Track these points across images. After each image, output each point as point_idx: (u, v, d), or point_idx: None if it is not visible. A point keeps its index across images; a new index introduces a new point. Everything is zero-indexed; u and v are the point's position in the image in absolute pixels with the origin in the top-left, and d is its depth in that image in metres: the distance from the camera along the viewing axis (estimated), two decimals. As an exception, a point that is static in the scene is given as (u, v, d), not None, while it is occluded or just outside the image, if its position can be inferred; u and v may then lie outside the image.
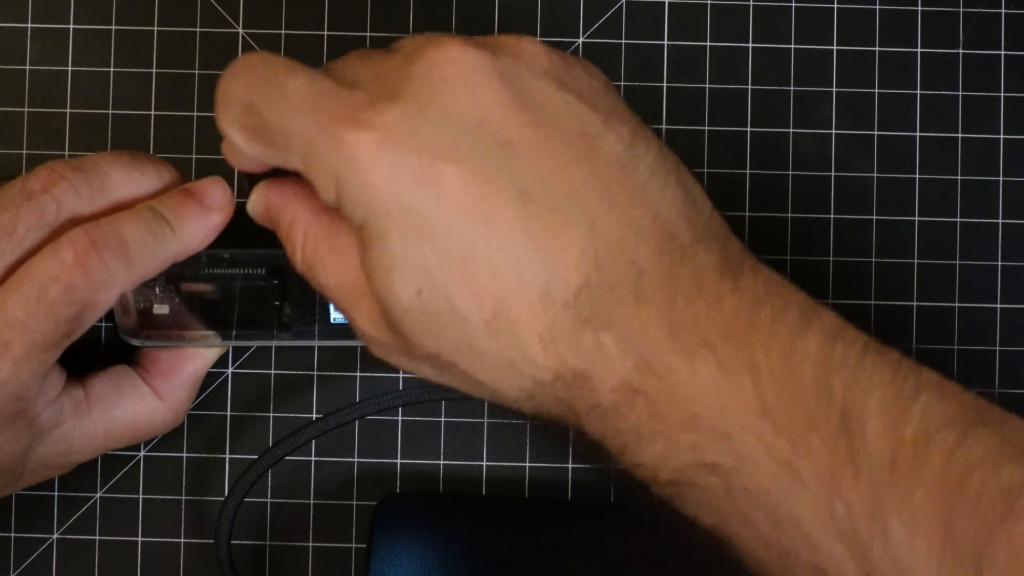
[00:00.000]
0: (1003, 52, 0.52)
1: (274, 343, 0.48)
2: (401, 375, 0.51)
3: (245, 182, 0.42)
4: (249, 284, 0.46)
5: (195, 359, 0.48)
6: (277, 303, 0.47)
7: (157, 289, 0.46)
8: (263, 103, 0.38)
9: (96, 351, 0.49)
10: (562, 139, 0.37)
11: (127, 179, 0.43)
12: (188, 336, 0.47)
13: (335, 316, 0.47)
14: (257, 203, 0.42)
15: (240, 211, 0.43)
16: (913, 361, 0.36)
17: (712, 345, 0.35)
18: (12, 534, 0.51)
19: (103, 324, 0.51)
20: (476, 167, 0.36)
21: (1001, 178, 0.52)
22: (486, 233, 0.36)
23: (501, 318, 0.36)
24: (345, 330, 0.47)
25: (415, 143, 0.36)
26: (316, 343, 0.48)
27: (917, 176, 0.52)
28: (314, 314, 0.47)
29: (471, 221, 0.36)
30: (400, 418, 0.51)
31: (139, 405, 0.47)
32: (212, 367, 0.50)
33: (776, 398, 0.35)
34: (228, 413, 0.51)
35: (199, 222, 0.43)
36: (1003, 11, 0.52)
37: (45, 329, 0.41)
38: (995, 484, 0.33)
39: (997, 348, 0.51)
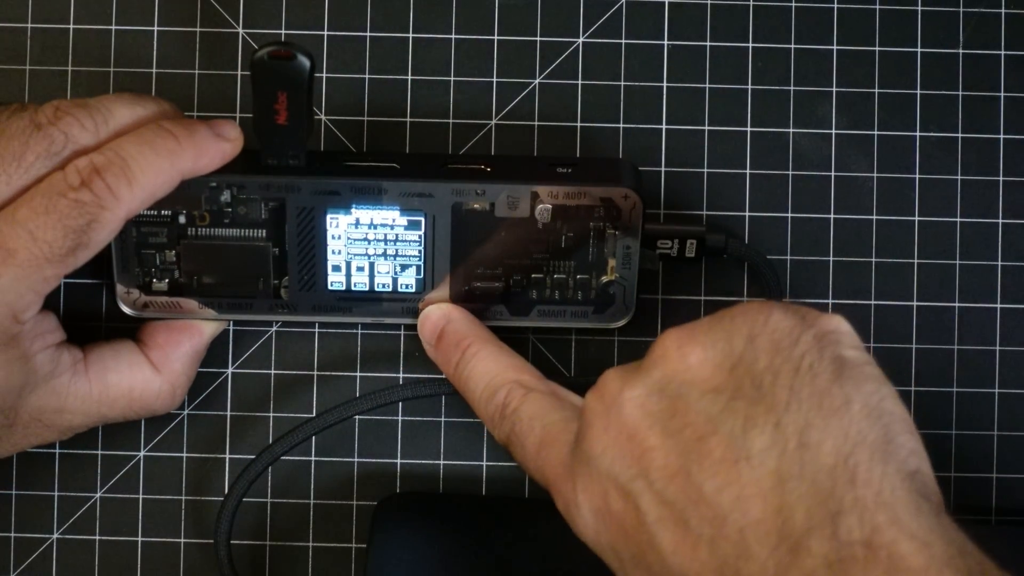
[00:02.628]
0: (1003, 52, 0.52)
1: (270, 317, 0.48)
2: (401, 375, 0.51)
3: None
4: (248, 245, 0.47)
5: (193, 334, 0.48)
6: (274, 275, 0.47)
7: (157, 258, 0.47)
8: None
9: (97, 334, 0.49)
10: (689, 453, 0.36)
11: (130, 113, 0.44)
12: (185, 308, 0.48)
13: (332, 282, 0.47)
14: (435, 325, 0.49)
15: (245, 156, 0.45)
16: None
17: None
18: (12, 534, 0.51)
19: (104, 302, 0.51)
20: (674, 444, 0.37)
21: (1001, 178, 0.52)
22: (680, 522, 0.36)
23: None
24: (340, 300, 0.47)
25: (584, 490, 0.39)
26: (314, 318, 0.48)
27: (917, 176, 0.52)
28: (312, 277, 0.47)
29: (673, 508, 0.37)
30: (400, 418, 0.51)
31: (136, 373, 0.47)
32: (213, 367, 0.50)
33: None
34: (228, 413, 0.51)
35: (208, 141, 0.44)
36: (1003, 11, 0.52)
37: (52, 239, 0.42)
38: None
39: (997, 348, 0.51)
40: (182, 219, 0.47)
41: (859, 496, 0.34)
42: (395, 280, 0.48)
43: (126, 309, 0.48)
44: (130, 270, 0.47)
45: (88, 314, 0.51)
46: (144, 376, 0.47)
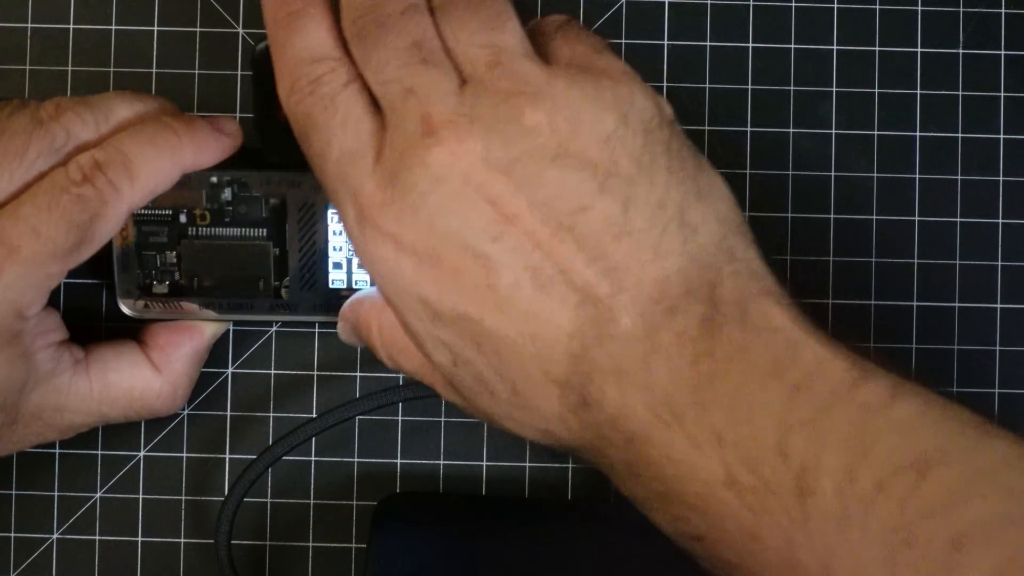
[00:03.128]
0: (1003, 52, 0.52)
1: (271, 317, 0.48)
2: (401, 375, 0.51)
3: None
4: (248, 244, 0.47)
5: (194, 335, 0.48)
6: (275, 275, 0.47)
7: (158, 259, 0.47)
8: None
9: (97, 334, 0.49)
10: (558, 222, 0.38)
11: (130, 110, 0.44)
12: (186, 308, 0.48)
13: (333, 280, 0.47)
14: (344, 327, 0.46)
15: (245, 153, 0.45)
16: (891, 385, 0.36)
17: (682, 417, 0.37)
18: (12, 534, 0.51)
19: (104, 301, 0.51)
20: (474, 254, 0.38)
21: (1001, 178, 0.52)
22: (495, 314, 0.38)
23: (520, 395, 0.39)
24: (342, 298, 0.47)
25: (406, 242, 0.38)
26: (313, 318, 0.48)
27: (917, 176, 0.52)
28: (313, 276, 0.47)
29: (482, 303, 0.38)
30: (400, 418, 0.51)
31: (137, 374, 0.47)
32: (213, 367, 0.50)
33: (740, 466, 0.36)
34: (228, 413, 0.51)
35: (208, 135, 0.44)
36: (1003, 11, 0.52)
37: (55, 235, 0.42)
38: (942, 534, 0.33)
39: (997, 348, 0.51)
40: (183, 218, 0.47)
41: (736, 269, 0.38)
42: None
43: (127, 311, 0.48)
44: (130, 272, 0.47)
45: (88, 314, 0.51)
46: (145, 376, 0.47)
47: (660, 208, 0.38)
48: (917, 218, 0.52)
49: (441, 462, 0.51)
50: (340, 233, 0.47)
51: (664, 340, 0.37)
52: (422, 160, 0.38)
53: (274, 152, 0.46)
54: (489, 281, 0.38)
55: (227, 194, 0.46)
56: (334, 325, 0.51)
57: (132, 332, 0.49)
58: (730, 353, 0.37)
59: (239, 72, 0.51)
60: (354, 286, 0.48)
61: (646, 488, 0.38)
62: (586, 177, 0.38)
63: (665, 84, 0.51)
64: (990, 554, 0.33)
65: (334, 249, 0.47)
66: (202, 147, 0.44)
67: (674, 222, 0.38)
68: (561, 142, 0.38)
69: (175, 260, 0.47)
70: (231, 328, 0.51)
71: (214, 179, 0.46)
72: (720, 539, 0.37)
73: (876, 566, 0.34)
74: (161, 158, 0.43)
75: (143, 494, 0.51)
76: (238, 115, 0.51)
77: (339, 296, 0.48)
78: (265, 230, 0.47)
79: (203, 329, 0.48)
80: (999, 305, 0.52)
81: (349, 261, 0.47)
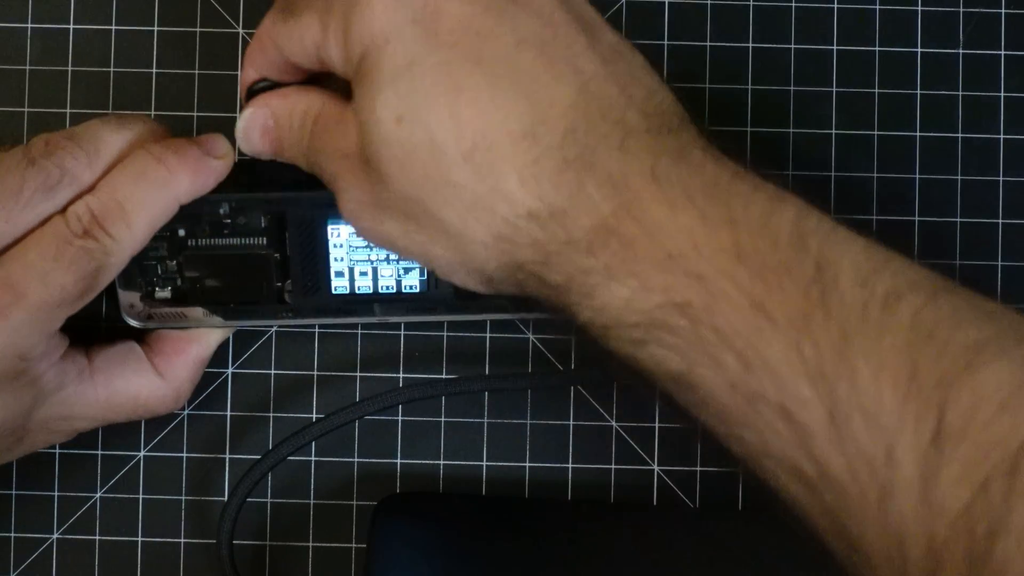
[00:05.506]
0: (1003, 52, 0.52)
1: (275, 322, 0.48)
2: (401, 375, 0.51)
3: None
4: (250, 253, 0.47)
5: (199, 341, 0.48)
6: (277, 280, 0.47)
7: (159, 268, 0.47)
8: None
9: (97, 334, 0.49)
10: (569, 13, 0.39)
11: (119, 138, 0.44)
12: (190, 316, 0.48)
13: (336, 285, 0.47)
14: (254, 114, 0.43)
15: (239, 169, 0.45)
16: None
17: (693, 198, 0.37)
18: (12, 534, 0.51)
19: (103, 302, 0.51)
20: (478, 8, 0.38)
21: (1001, 178, 0.52)
22: (476, 71, 0.38)
23: (481, 150, 0.37)
24: (345, 303, 0.47)
25: None
26: (317, 321, 0.48)
27: (917, 176, 0.52)
28: (316, 282, 0.47)
29: (463, 58, 0.38)
30: (400, 418, 0.51)
31: (141, 381, 0.47)
32: (213, 367, 0.50)
33: (752, 247, 0.36)
34: (228, 413, 0.51)
35: (200, 162, 0.44)
36: (1003, 11, 0.52)
37: (64, 284, 0.42)
38: (961, 337, 0.34)
39: (997, 348, 0.51)
40: (182, 232, 0.46)
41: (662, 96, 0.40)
42: (399, 282, 0.48)
43: (131, 321, 0.48)
44: (132, 281, 0.47)
45: (87, 314, 0.51)
46: (150, 383, 0.47)
47: (603, 63, 0.39)
48: (917, 218, 0.52)
49: (441, 462, 0.51)
50: (341, 245, 0.47)
51: (669, 142, 0.38)
52: None
53: (271, 163, 0.45)
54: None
55: (225, 208, 0.46)
56: (334, 325, 0.51)
57: (131, 331, 0.48)
58: (735, 171, 0.38)
59: (239, 72, 0.51)
60: (357, 291, 0.48)
61: (627, 255, 0.37)
62: None
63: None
64: (1010, 361, 0.33)
65: (335, 260, 0.47)
66: (195, 176, 0.44)
67: (605, 68, 0.39)
68: None
69: (176, 269, 0.47)
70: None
71: (212, 202, 0.45)
72: (712, 307, 0.36)
73: (896, 353, 0.34)
74: (155, 196, 0.43)
75: (143, 494, 0.51)
76: (238, 115, 0.51)
77: (342, 299, 0.47)
78: (265, 239, 0.47)
79: (208, 335, 0.48)
80: (999, 305, 0.52)
81: (351, 270, 0.47)
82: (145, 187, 0.43)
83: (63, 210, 0.43)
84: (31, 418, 0.45)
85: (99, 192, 0.43)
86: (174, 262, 0.47)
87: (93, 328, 0.51)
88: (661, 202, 0.37)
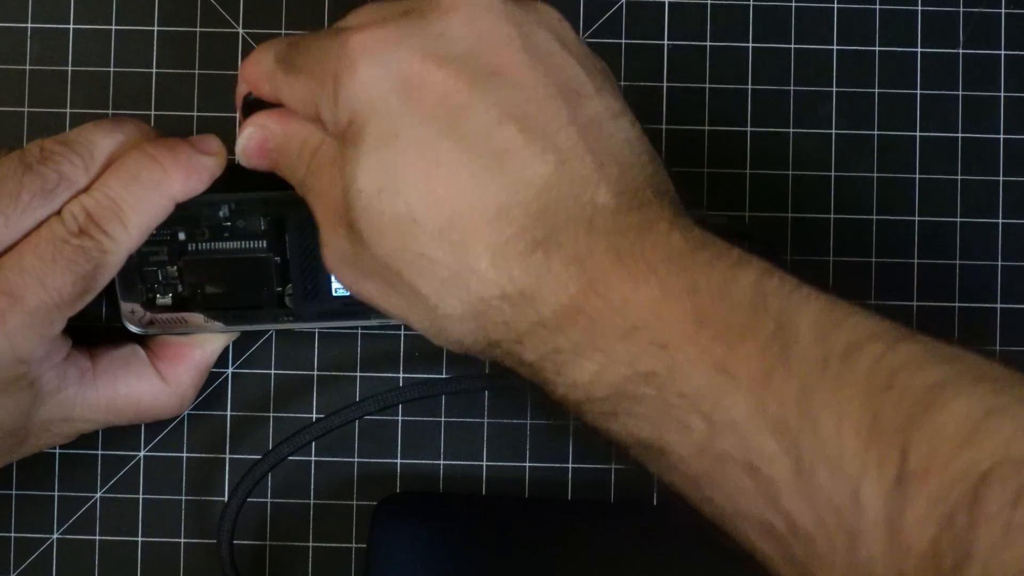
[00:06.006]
0: (1003, 52, 0.52)
1: (276, 326, 0.48)
2: (401, 375, 0.51)
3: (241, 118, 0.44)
4: (249, 257, 0.47)
5: (202, 346, 0.48)
6: (277, 284, 0.47)
7: (160, 274, 0.47)
8: (302, 40, 0.42)
9: (97, 335, 0.49)
10: (553, 85, 0.39)
11: (112, 141, 0.44)
12: (191, 322, 0.48)
13: (337, 288, 0.47)
14: (253, 135, 0.43)
15: (233, 169, 0.45)
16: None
17: (655, 270, 0.37)
18: (12, 534, 0.51)
19: (104, 305, 0.51)
20: (461, 82, 0.38)
21: (1001, 178, 0.52)
22: (456, 147, 0.38)
23: (455, 229, 0.38)
24: (346, 305, 0.47)
25: (409, 48, 0.38)
26: (317, 325, 0.48)
27: (917, 176, 0.52)
28: (316, 285, 0.47)
29: (445, 132, 0.38)
30: (400, 418, 0.51)
31: (144, 385, 0.47)
32: (213, 367, 0.50)
33: (713, 311, 0.36)
34: (228, 413, 0.51)
35: (192, 160, 0.44)
36: (1003, 11, 0.52)
37: (61, 286, 0.42)
38: (920, 381, 0.34)
39: (997, 348, 0.51)
40: (182, 236, 0.46)
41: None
42: None
43: (132, 328, 0.48)
44: (133, 288, 0.47)
45: (88, 315, 0.51)
46: (152, 387, 0.47)
47: (630, 123, 0.40)
48: (917, 218, 0.52)
49: (441, 462, 0.51)
50: None
51: (635, 219, 0.38)
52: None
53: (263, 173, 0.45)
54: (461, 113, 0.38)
55: (224, 211, 0.46)
56: (336, 328, 0.51)
57: (135, 335, 0.48)
58: (700, 240, 0.38)
59: (239, 72, 0.51)
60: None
61: (594, 330, 0.37)
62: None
63: (665, 84, 0.51)
64: (968, 398, 0.34)
65: None
66: (189, 174, 0.44)
67: (607, 113, 0.40)
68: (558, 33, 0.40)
69: (177, 275, 0.47)
70: (231, 328, 0.51)
71: (210, 203, 0.46)
72: (676, 374, 0.36)
73: (857, 403, 0.34)
74: (150, 195, 0.43)
75: (143, 494, 0.51)
76: (238, 115, 0.51)
77: (343, 301, 0.47)
78: (265, 242, 0.47)
79: (211, 339, 0.48)
80: (999, 305, 0.52)
81: None
82: (139, 185, 0.43)
83: (59, 211, 0.43)
84: (31, 420, 0.45)
85: (94, 191, 0.43)
86: (175, 267, 0.47)
87: (96, 330, 0.51)
88: (625, 278, 0.37)
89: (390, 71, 0.38)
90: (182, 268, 0.47)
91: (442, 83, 0.38)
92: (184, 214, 0.45)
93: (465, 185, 0.38)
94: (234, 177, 0.45)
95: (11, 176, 0.42)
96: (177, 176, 0.44)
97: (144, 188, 0.43)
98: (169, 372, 0.48)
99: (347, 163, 0.39)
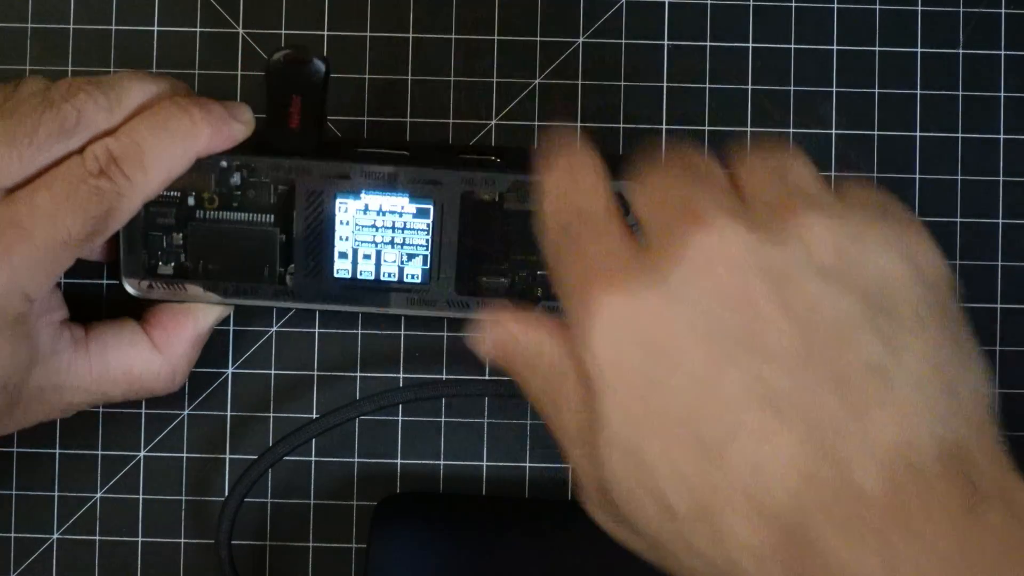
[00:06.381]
0: (1003, 52, 0.52)
1: (274, 303, 0.48)
2: (401, 375, 0.51)
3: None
4: (255, 230, 0.47)
5: (197, 317, 0.48)
6: (280, 262, 0.48)
7: (164, 240, 0.47)
8: (569, 245, 0.37)
9: (97, 312, 0.49)
10: (813, 343, 0.33)
11: (143, 92, 0.44)
12: (189, 291, 0.48)
13: (338, 268, 0.47)
14: (497, 332, 0.38)
15: (254, 145, 0.46)
16: None
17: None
18: (12, 534, 0.51)
19: (104, 282, 0.51)
20: (713, 356, 0.33)
21: (1001, 178, 0.52)
22: (718, 427, 0.33)
23: (707, 520, 0.33)
24: (345, 289, 0.47)
25: (654, 321, 0.34)
26: (316, 306, 0.48)
27: (917, 176, 0.52)
28: (318, 264, 0.47)
29: (696, 408, 0.33)
30: (400, 418, 0.51)
31: (136, 353, 0.47)
32: (213, 367, 0.50)
33: None
34: (228, 413, 0.51)
35: (222, 120, 0.45)
36: (1003, 11, 0.52)
37: (72, 225, 0.42)
38: None
39: (997, 348, 0.51)
40: (191, 200, 0.47)
41: (985, 446, 0.34)
42: (401, 270, 0.48)
43: (131, 290, 0.48)
44: (136, 252, 0.48)
45: (89, 292, 0.51)
46: (144, 356, 0.47)
47: (931, 366, 0.34)
48: (917, 218, 0.52)
49: (441, 462, 0.51)
50: (347, 223, 0.47)
51: (911, 506, 0.32)
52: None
53: (283, 157, 0.46)
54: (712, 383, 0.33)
55: (236, 179, 0.47)
56: (334, 324, 0.51)
57: (131, 310, 0.48)
58: (982, 543, 0.32)
59: (239, 72, 0.51)
60: (358, 276, 0.48)
61: None
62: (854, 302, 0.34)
63: (665, 84, 0.51)
64: None
65: (340, 238, 0.47)
66: (217, 133, 0.45)
67: (941, 386, 0.34)
68: (835, 263, 0.34)
69: (181, 242, 0.47)
70: (231, 328, 0.51)
71: (224, 163, 0.47)
72: None
73: None
74: (175, 146, 0.44)
75: (143, 494, 0.51)
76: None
77: (342, 285, 0.48)
78: (272, 216, 0.47)
79: (206, 312, 0.49)
80: (999, 305, 0.52)
81: (355, 251, 0.48)
82: (167, 135, 0.43)
83: (80, 150, 0.43)
84: (26, 382, 0.44)
85: (120, 135, 0.43)
86: (179, 235, 0.47)
87: (94, 305, 0.51)
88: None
89: (630, 350, 0.34)
90: (187, 236, 0.47)
91: (689, 357, 0.34)
92: (196, 175, 0.45)
93: (709, 470, 0.33)
94: (255, 148, 0.46)
95: (31, 113, 0.43)
96: (205, 132, 0.44)
97: (172, 138, 0.44)
98: (162, 340, 0.47)
99: (594, 438, 0.35)
